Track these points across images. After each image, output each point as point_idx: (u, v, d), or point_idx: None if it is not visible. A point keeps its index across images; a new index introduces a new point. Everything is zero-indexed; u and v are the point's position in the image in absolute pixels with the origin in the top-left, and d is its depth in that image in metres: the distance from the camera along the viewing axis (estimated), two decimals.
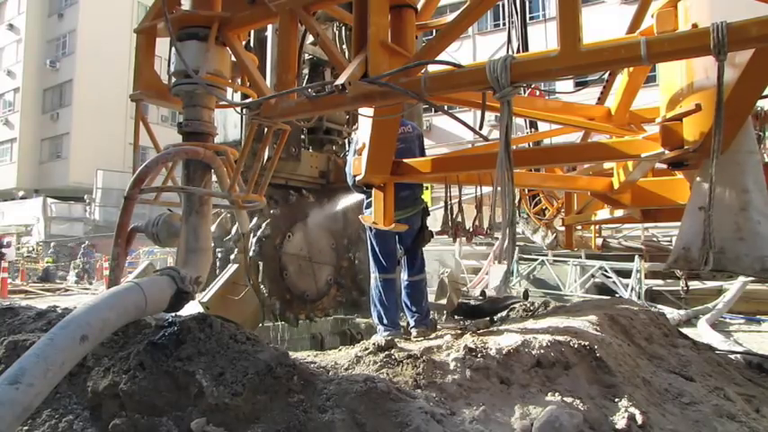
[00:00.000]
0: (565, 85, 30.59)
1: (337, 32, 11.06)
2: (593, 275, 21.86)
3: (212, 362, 4.64)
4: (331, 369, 5.32)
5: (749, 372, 8.16)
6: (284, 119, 6.50)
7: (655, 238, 22.10)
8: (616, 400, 5.48)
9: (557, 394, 5.32)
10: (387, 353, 5.63)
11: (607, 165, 8.89)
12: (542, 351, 5.83)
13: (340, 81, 5.23)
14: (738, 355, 9.37)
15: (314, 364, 5.36)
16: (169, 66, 6.72)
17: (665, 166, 6.63)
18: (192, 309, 5.69)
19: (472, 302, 12.45)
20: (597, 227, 14.32)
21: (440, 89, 5.52)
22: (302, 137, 10.99)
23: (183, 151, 6.39)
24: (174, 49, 6.51)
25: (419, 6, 7.07)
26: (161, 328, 4.99)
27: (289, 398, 4.55)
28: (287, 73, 6.15)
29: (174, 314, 5.40)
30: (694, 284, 19.83)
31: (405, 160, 8.19)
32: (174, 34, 6.50)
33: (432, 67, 5.58)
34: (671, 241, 20.68)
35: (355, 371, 5.32)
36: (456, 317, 11.75)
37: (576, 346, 6.02)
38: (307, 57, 11.04)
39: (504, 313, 11.01)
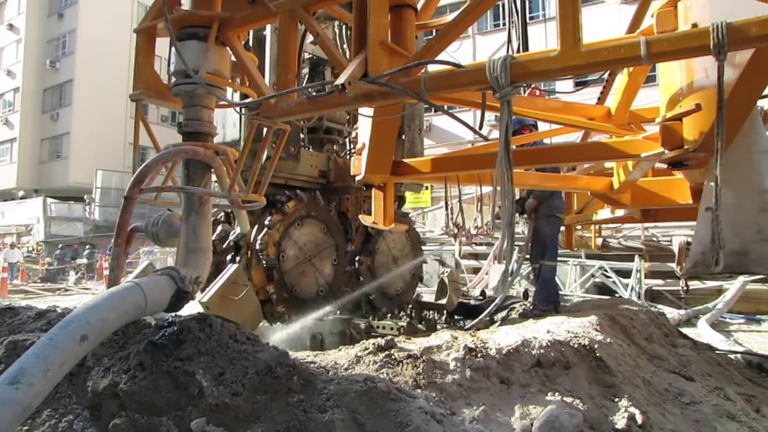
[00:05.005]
0: (565, 85, 30.63)
1: (338, 32, 11.07)
2: (593, 275, 21.88)
3: (212, 362, 4.66)
4: (331, 369, 5.34)
5: (749, 371, 8.20)
6: (284, 119, 6.51)
7: (655, 238, 22.09)
8: (616, 399, 5.53)
9: (557, 394, 5.38)
10: (387, 353, 5.66)
11: (607, 164, 8.92)
12: (542, 351, 5.90)
13: (340, 81, 5.24)
14: (738, 355, 9.40)
15: (314, 364, 5.39)
16: (169, 66, 6.75)
17: (665, 165, 6.62)
18: (191, 309, 5.71)
19: (472, 302, 12.48)
20: (597, 227, 14.36)
21: (440, 89, 5.52)
22: (301, 136, 10.96)
23: (183, 151, 6.41)
24: (173, 48, 6.54)
25: (419, 6, 7.09)
26: (161, 328, 4.99)
27: (289, 398, 4.57)
28: (286, 73, 6.15)
29: (174, 314, 5.41)
30: (694, 284, 19.82)
31: (405, 160, 8.23)
32: (174, 34, 6.53)
33: (432, 67, 5.58)
34: (671, 241, 20.68)
35: (355, 371, 5.34)
36: (456, 317, 11.78)
37: (575, 346, 6.11)
38: (307, 56, 11.05)
39: (503, 313, 11.05)
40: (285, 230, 9.84)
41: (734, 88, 5.06)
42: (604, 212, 10.31)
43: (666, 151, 5.98)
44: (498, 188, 4.88)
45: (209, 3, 6.77)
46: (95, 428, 4.61)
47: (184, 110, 6.75)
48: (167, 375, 4.59)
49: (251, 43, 9.63)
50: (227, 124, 9.88)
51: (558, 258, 10.70)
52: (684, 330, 11.33)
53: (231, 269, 7.47)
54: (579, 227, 12.89)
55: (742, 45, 4.49)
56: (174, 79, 6.73)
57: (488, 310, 11.37)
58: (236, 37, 6.87)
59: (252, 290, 7.84)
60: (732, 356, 9.20)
